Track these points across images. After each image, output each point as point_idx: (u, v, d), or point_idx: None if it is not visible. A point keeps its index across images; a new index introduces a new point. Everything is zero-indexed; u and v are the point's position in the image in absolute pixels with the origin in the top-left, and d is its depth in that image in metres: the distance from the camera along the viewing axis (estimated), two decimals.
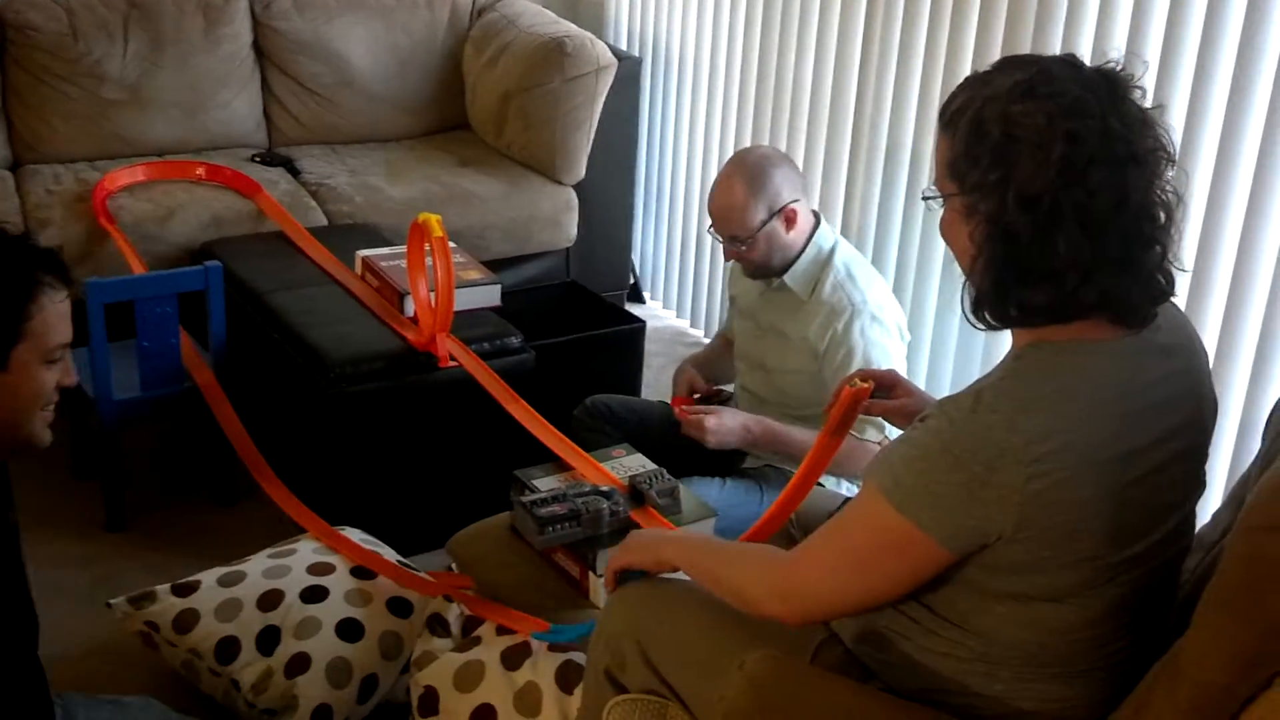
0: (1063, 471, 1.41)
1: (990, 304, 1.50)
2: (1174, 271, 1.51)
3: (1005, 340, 1.59)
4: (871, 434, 2.52)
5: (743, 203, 2.58)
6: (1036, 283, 1.45)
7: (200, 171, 3.63)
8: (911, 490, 1.45)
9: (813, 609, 1.59)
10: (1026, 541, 1.44)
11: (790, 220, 2.60)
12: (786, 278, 2.64)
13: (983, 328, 1.54)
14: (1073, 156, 1.41)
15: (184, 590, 2.36)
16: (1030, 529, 1.43)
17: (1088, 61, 1.51)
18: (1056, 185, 1.41)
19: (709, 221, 2.68)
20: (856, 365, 2.52)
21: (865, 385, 1.87)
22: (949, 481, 1.43)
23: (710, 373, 2.92)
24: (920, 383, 3.12)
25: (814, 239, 2.65)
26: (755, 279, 2.71)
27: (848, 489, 2.61)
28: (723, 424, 2.55)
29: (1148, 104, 1.48)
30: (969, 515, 1.43)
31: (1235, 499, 1.68)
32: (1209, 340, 2.45)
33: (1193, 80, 2.48)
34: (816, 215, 2.71)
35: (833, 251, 2.65)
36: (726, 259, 2.70)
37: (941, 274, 3.09)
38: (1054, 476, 1.41)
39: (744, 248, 2.61)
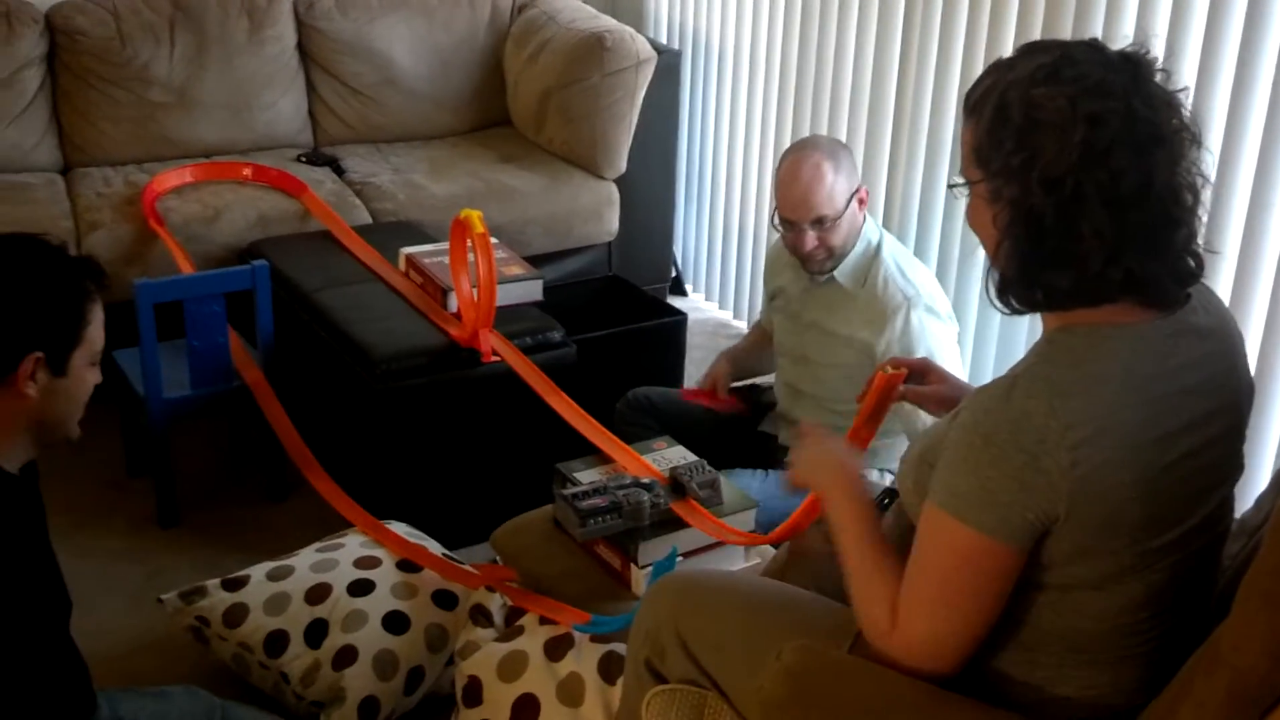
0: (1102, 455, 1.41)
1: (1016, 288, 1.50)
2: (1202, 253, 1.50)
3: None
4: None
5: (832, 180, 2.57)
6: (1061, 265, 1.45)
7: (247, 172, 3.68)
8: (967, 495, 1.45)
9: (933, 656, 1.52)
10: (1071, 529, 1.43)
11: (861, 202, 2.63)
12: (836, 272, 2.64)
13: (1008, 312, 1.54)
14: (1095, 139, 1.40)
15: (234, 585, 2.40)
16: (1075, 516, 1.42)
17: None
18: (1079, 167, 1.41)
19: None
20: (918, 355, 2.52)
21: (898, 372, 1.87)
22: (1000, 474, 1.42)
23: (747, 364, 2.92)
24: (965, 372, 3.11)
25: (862, 232, 2.65)
26: (818, 272, 2.67)
27: (890, 479, 2.61)
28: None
29: (1172, 86, 1.47)
30: (1026, 507, 1.42)
31: (1278, 484, 1.67)
32: (1255, 323, 2.42)
33: (1234, 71, 2.45)
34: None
35: (880, 245, 2.65)
36: (802, 249, 2.62)
37: (984, 263, 3.06)
38: (1094, 461, 1.41)
39: (827, 230, 2.59)
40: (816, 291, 2.70)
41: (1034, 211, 1.44)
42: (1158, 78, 1.46)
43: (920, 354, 2.52)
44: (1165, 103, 1.45)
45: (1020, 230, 1.46)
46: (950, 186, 1.58)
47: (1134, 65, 1.45)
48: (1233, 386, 1.55)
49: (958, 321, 2.79)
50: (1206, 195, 1.50)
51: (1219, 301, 1.61)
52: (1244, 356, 1.60)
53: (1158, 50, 1.50)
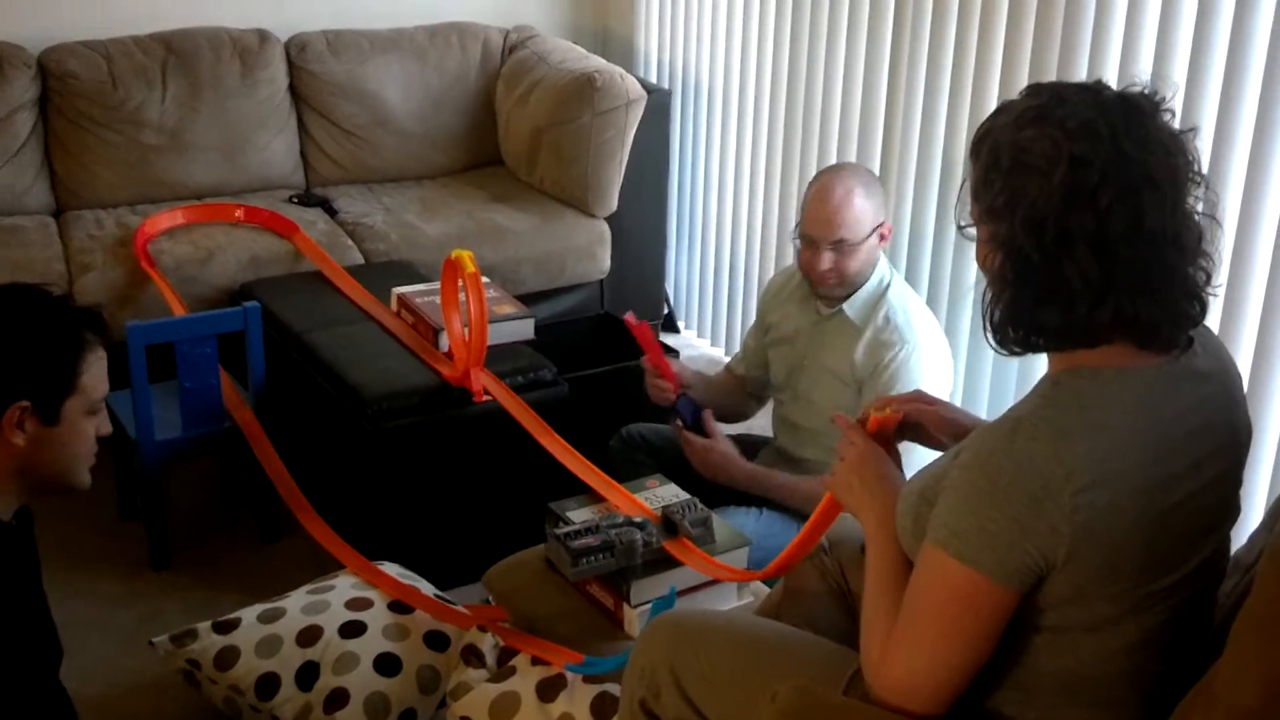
0: (1105, 500, 1.41)
1: (1011, 328, 1.50)
2: (1206, 296, 1.49)
3: (1041, 362, 1.59)
4: None
5: (861, 206, 2.57)
6: (1049, 306, 1.45)
7: (239, 214, 3.69)
8: (967, 536, 1.44)
9: (918, 693, 1.50)
10: (1071, 573, 1.43)
11: (883, 238, 2.63)
12: (845, 306, 2.63)
13: (1006, 354, 1.54)
14: (1078, 180, 1.41)
15: (225, 627, 2.39)
16: (1075, 560, 1.42)
17: (1120, 83, 1.50)
18: (1062, 208, 1.41)
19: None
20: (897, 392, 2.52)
21: (893, 413, 1.86)
22: (1001, 516, 1.42)
23: (709, 396, 2.88)
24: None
25: (877, 268, 2.65)
26: (825, 298, 2.67)
27: None
28: (714, 460, 2.59)
29: (1177, 126, 1.47)
30: (1025, 551, 1.42)
31: (1270, 521, 1.67)
32: (1243, 362, 2.43)
33: (1220, 100, 2.47)
34: None
35: (889, 285, 2.65)
36: (816, 268, 2.60)
37: (975, 297, 3.08)
38: (1097, 506, 1.41)
39: (844, 255, 2.58)
40: (824, 326, 2.69)
41: (1021, 252, 1.45)
42: (1163, 118, 1.46)
43: (900, 390, 2.52)
44: (1161, 144, 1.44)
45: (1010, 270, 1.47)
46: (959, 228, 1.58)
47: (1130, 106, 1.45)
48: (1231, 428, 1.55)
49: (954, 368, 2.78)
50: (1217, 236, 1.49)
51: (1218, 342, 1.61)
52: (1243, 398, 1.60)
53: (1171, 89, 1.51)
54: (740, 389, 2.95)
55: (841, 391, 2.64)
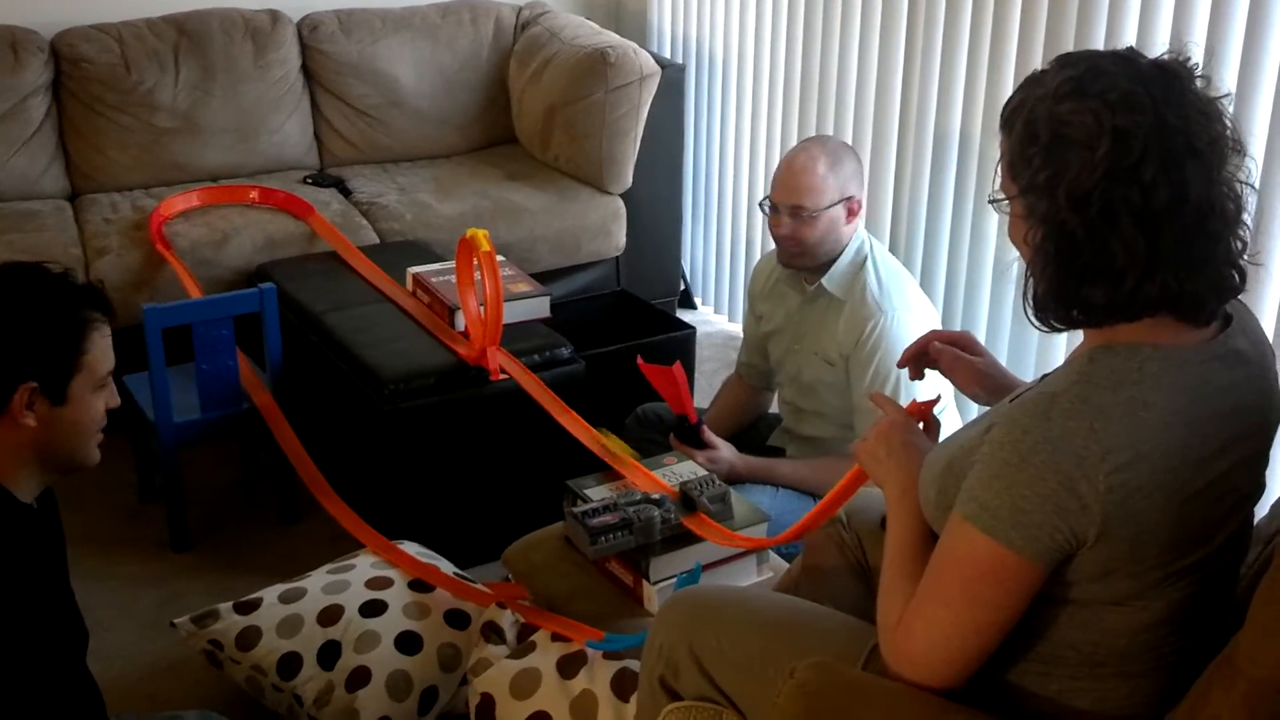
0: (1138, 480, 1.40)
1: (1052, 305, 1.48)
2: (1245, 266, 1.47)
3: (1059, 336, 1.57)
4: None
5: (821, 175, 2.57)
6: (1095, 282, 1.43)
7: (254, 195, 3.70)
8: (998, 511, 1.43)
9: (935, 665, 1.51)
10: (1099, 551, 1.42)
11: (851, 213, 2.61)
12: (824, 280, 2.62)
13: (1046, 330, 1.51)
14: (1121, 153, 1.38)
15: (246, 608, 2.40)
16: (1106, 538, 1.41)
17: (1153, 51, 1.48)
18: (1106, 183, 1.39)
19: (763, 192, 2.65)
20: (884, 364, 2.51)
21: (931, 400, 1.85)
22: (1033, 495, 1.41)
23: (736, 421, 2.91)
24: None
25: (851, 241, 2.64)
26: (789, 267, 2.68)
27: None
28: (719, 470, 2.57)
29: (1212, 93, 1.45)
30: (1056, 529, 1.41)
31: None
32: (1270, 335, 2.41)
33: (1239, 69, 2.44)
34: None
35: (867, 256, 2.63)
36: (775, 232, 2.63)
37: (993, 272, 3.07)
38: (1130, 485, 1.40)
39: (802, 222, 2.58)
40: (808, 310, 2.68)
41: (1065, 228, 1.42)
42: (1197, 85, 1.43)
43: (886, 360, 2.52)
44: (1201, 112, 1.42)
45: (1053, 247, 1.44)
46: (991, 201, 1.56)
47: (1167, 75, 1.42)
48: (1264, 411, 1.53)
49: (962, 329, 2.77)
50: (1251, 203, 1.47)
51: (1257, 323, 1.59)
52: (1276, 381, 1.57)
53: (1198, 56, 1.47)
54: (750, 397, 2.96)
55: (828, 370, 2.63)
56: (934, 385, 2.14)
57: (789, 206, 2.59)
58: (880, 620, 1.59)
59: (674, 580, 2.21)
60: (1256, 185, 1.53)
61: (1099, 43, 2.65)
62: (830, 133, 3.58)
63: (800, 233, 2.60)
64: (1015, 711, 1.55)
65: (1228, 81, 2.44)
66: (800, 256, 2.63)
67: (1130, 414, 1.41)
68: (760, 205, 2.70)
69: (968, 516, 1.46)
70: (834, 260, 2.62)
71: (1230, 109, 1.48)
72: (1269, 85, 2.39)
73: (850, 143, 3.47)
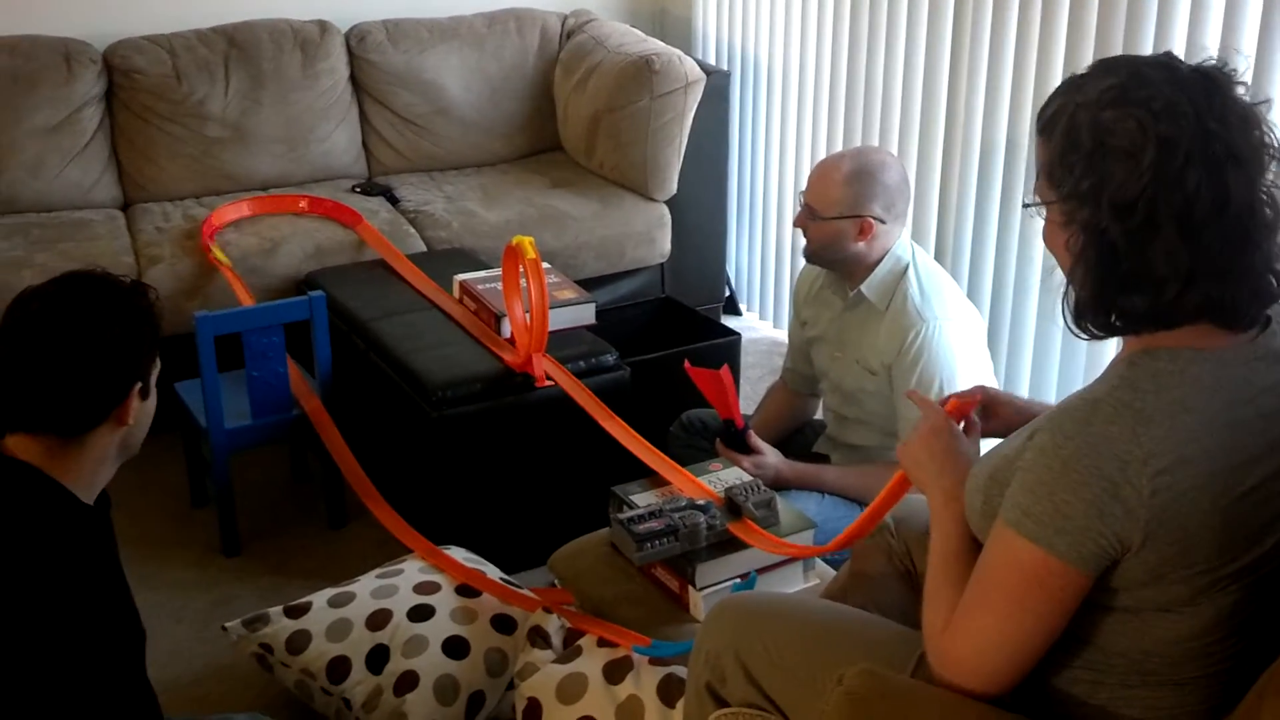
0: (1182, 484, 1.39)
1: (1092, 313, 1.47)
2: None
3: (1108, 344, 1.56)
4: None
5: (837, 184, 2.56)
6: (1136, 290, 1.42)
7: (303, 204, 3.74)
8: (1041, 517, 1.43)
9: (981, 671, 1.50)
10: (1146, 556, 1.42)
11: (863, 231, 2.55)
12: (864, 287, 2.60)
13: (1086, 338, 1.51)
14: (1166, 162, 1.38)
15: (296, 612, 2.42)
16: (1151, 543, 1.40)
17: (1188, 57, 1.47)
18: (1150, 191, 1.38)
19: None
20: (927, 373, 2.50)
21: (973, 397, 1.84)
22: (1077, 500, 1.40)
23: (782, 427, 2.91)
24: (1023, 391, 3.08)
25: (892, 249, 2.62)
26: (810, 263, 2.70)
27: None
28: (765, 476, 2.55)
29: (1251, 100, 1.44)
30: (1100, 534, 1.40)
31: None
32: None
33: None
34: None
35: (909, 265, 2.61)
36: (795, 224, 2.66)
37: (1041, 279, 3.04)
38: (1174, 489, 1.39)
39: (810, 220, 2.60)
40: (849, 316, 2.66)
41: (1106, 236, 1.42)
42: (1237, 91, 1.43)
43: (930, 369, 2.50)
44: (1243, 119, 1.41)
45: (1093, 254, 1.44)
46: (1025, 206, 1.56)
47: (1208, 81, 1.42)
48: None
49: (1009, 339, 2.74)
50: None
51: None
52: None
53: (1242, 63, 1.47)
54: (795, 403, 2.95)
55: (869, 379, 2.62)
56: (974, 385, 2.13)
57: (804, 201, 2.63)
58: (925, 627, 1.59)
59: (719, 587, 2.21)
60: None
61: (1147, 49, 2.63)
62: (876, 139, 3.57)
63: (808, 229, 2.62)
64: (1064, 719, 1.54)
65: (1277, 85, 2.42)
66: (816, 255, 2.65)
67: (1172, 417, 1.40)
68: (802, 194, 2.71)
69: (1011, 523, 1.46)
70: (872, 268, 2.60)
71: (1270, 115, 1.47)
72: None
73: (895, 149, 3.46)
